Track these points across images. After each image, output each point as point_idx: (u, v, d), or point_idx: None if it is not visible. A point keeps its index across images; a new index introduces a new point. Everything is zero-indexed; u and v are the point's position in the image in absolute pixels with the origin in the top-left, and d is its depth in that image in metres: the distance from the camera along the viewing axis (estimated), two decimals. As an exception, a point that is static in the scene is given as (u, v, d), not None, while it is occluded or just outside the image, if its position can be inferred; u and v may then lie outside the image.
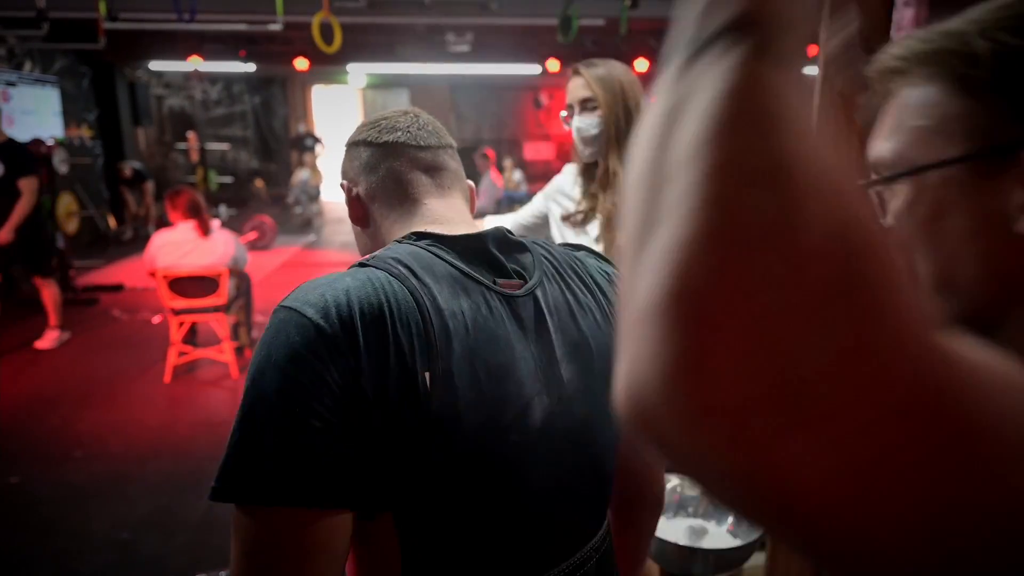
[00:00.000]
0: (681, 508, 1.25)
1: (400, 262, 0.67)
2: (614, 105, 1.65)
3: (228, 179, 12.14)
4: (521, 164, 13.17)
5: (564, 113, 1.75)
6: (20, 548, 2.69)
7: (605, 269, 0.84)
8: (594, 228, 1.74)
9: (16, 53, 7.81)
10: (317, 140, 12.07)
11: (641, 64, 9.63)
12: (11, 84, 6.67)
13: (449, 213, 0.80)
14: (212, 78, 13.11)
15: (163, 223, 5.61)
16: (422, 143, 0.81)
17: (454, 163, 0.84)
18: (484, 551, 0.68)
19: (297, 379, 0.59)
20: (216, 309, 4.35)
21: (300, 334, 0.60)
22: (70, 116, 8.42)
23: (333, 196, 13.86)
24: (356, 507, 0.62)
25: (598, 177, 1.73)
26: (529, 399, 0.68)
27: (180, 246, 4.12)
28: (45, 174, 6.28)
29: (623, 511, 0.88)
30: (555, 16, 5.71)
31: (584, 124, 1.68)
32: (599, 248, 1.71)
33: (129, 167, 9.18)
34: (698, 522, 1.23)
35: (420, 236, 0.73)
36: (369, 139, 0.82)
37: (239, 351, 4.70)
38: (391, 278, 0.65)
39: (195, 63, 9.48)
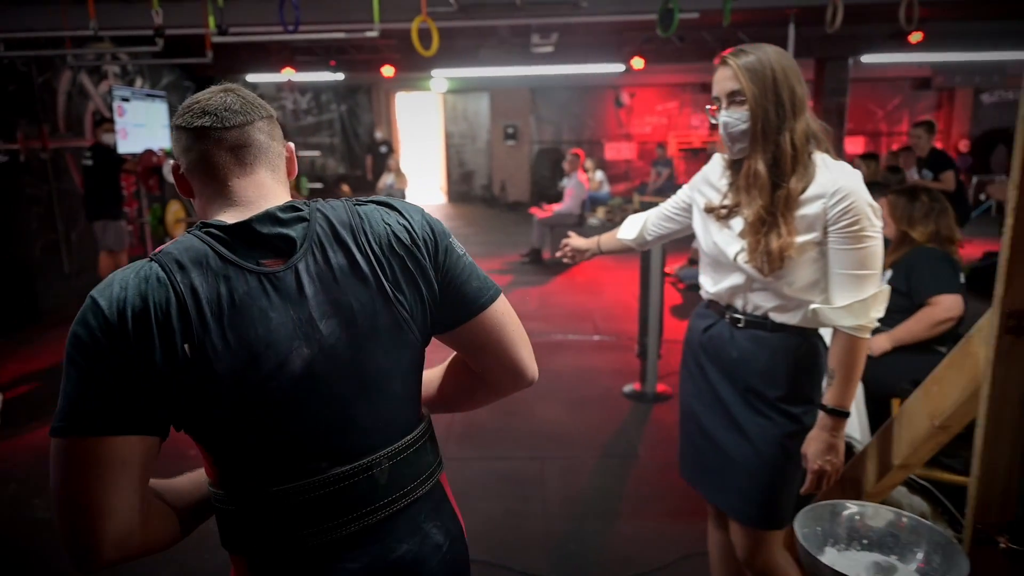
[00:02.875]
0: (862, 539, 1.12)
1: (175, 257, 0.88)
2: (762, 99, 1.53)
3: (318, 185, 12.53)
4: (602, 164, 13.01)
5: (709, 106, 1.64)
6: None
7: (393, 225, 0.98)
8: (738, 224, 1.63)
9: (129, 71, 8.31)
10: (390, 147, 12.31)
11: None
12: (125, 100, 7.08)
13: (249, 192, 0.95)
14: (302, 88, 13.58)
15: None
16: (228, 123, 0.94)
17: (262, 136, 0.97)
18: (265, 462, 0.92)
19: (86, 348, 0.83)
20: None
21: (94, 318, 0.84)
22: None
23: (422, 200, 14.11)
24: (137, 432, 0.84)
25: (742, 176, 1.61)
26: (286, 354, 0.88)
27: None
28: (156, 183, 6.64)
29: (468, 373, 1.14)
30: (645, 12, 5.55)
31: (731, 119, 1.57)
32: (741, 247, 1.59)
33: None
34: (884, 558, 1.11)
35: (204, 226, 0.92)
36: (183, 124, 0.94)
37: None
38: (159, 272, 0.87)
39: (288, 74, 9.84)
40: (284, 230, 0.92)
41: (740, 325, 1.67)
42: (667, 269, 7.49)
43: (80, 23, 5.69)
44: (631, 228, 2.06)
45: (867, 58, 9.30)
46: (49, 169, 6.78)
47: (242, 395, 0.88)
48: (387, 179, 10.90)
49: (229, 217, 0.93)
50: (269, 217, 0.92)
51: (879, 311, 1.52)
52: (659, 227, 1.99)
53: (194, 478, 1.05)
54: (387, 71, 9.85)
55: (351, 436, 0.95)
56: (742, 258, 1.60)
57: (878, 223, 1.51)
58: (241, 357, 0.87)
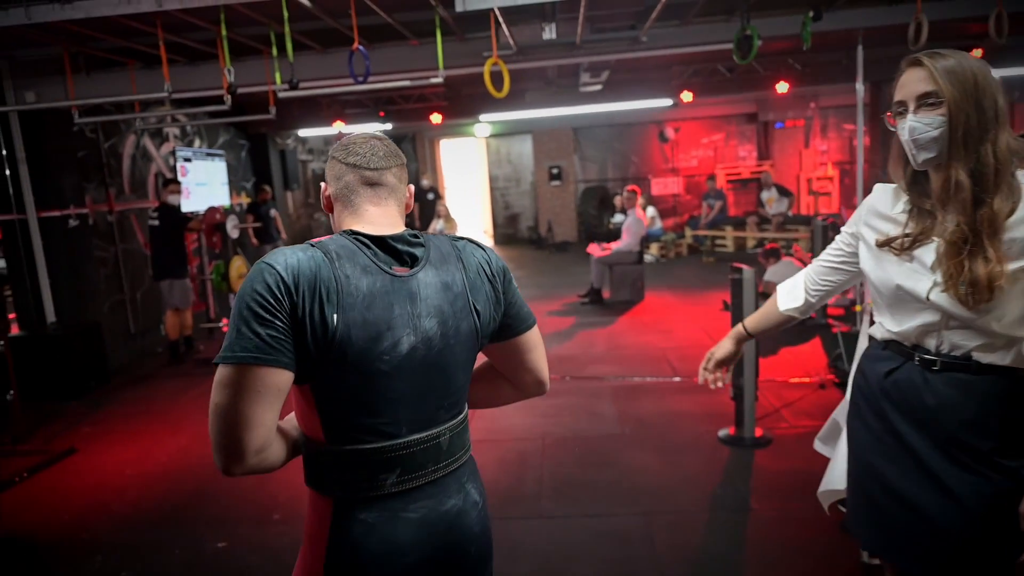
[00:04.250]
0: None
1: (332, 248, 1.14)
2: (963, 103, 1.35)
3: (367, 234, 12.62)
4: (649, 200, 12.85)
5: (891, 112, 1.47)
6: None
7: (479, 258, 1.29)
8: (927, 254, 1.43)
9: (188, 132, 8.52)
10: (438, 193, 12.36)
11: (782, 86, 9.15)
12: (188, 160, 7.23)
13: (379, 218, 1.23)
14: (348, 140, 13.83)
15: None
16: (371, 167, 1.23)
17: (393, 179, 1.26)
18: (363, 419, 1.15)
19: (264, 299, 1.06)
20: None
21: (272, 276, 1.08)
22: (232, 185, 9.05)
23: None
24: (288, 368, 1.08)
25: (935, 190, 1.43)
26: (399, 338, 1.14)
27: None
28: (219, 240, 6.70)
29: (500, 379, 1.43)
30: (706, 43, 5.45)
31: (920, 124, 1.39)
32: (938, 278, 1.40)
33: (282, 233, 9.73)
34: None
35: (353, 233, 1.19)
36: (339, 158, 1.25)
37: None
38: (324, 257, 1.12)
39: (339, 127, 10.00)
40: (412, 249, 1.23)
41: (935, 368, 1.46)
42: (727, 300, 7.23)
43: (147, 87, 5.84)
44: (792, 295, 1.82)
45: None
46: (115, 231, 6.91)
47: (364, 361, 1.13)
48: (437, 225, 10.91)
49: (367, 229, 1.21)
50: (402, 239, 1.23)
51: None
52: (824, 283, 1.77)
53: (294, 422, 1.26)
54: (435, 118, 9.94)
55: (426, 409, 1.22)
56: (937, 292, 1.40)
57: None
58: (370, 332, 1.13)
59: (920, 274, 1.45)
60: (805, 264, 6.67)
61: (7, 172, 6.03)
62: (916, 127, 1.40)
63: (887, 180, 1.61)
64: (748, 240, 11.31)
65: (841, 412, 2.52)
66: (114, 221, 6.87)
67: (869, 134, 10.22)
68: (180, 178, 6.87)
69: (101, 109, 6.39)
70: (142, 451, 4.39)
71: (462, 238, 1.32)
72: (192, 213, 6.82)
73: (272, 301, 1.07)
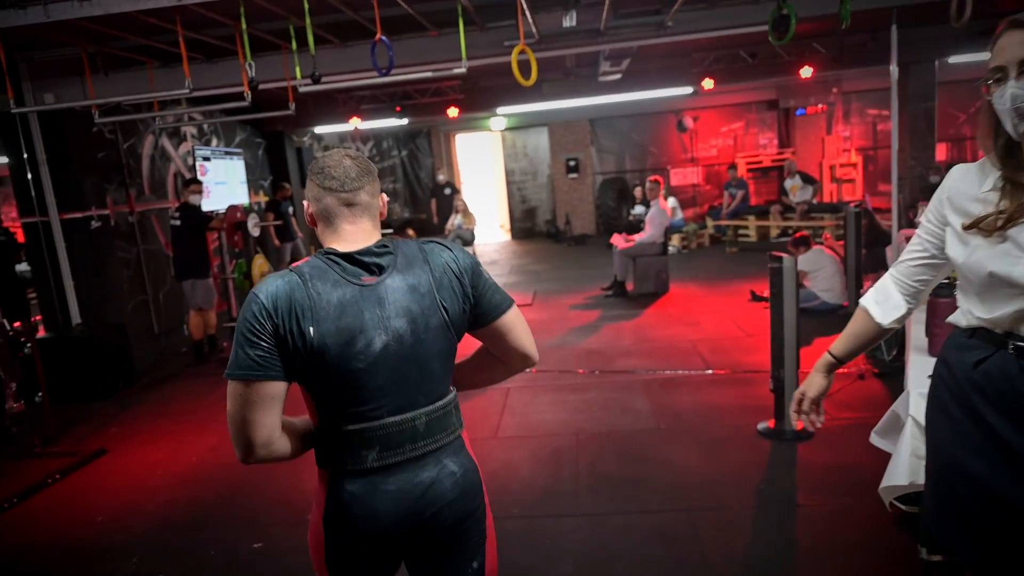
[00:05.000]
0: None
1: (306, 271, 1.35)
2: None
3: (388, 231, 12.60)
4: (668, 191, 12.68)
5: (987, 80, 1.36)
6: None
7: (445, 258, 1.44)
8: (1023, 233, 1.32)
9: (205, 131, 8.50)
10: (455, 188, 12.27)
11: (806, 71, 8.96)
12: (206, 159, 7.19)
13: (353, 235, 1.41)
14: (364, 137, 13.79)
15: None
16: (345, 189, 1.39)
17: (368, 197, 1.42)
18: (348, 408, 1.36)
19: (251, 325, 1.29)
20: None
21: (257, 304, 1.30)
22: (250, 184, 9.02)
23: (485, 239, 14.02)
24: (278, 380, 1.31)
25: None
26: (372, 338, 1.33)
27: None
28: (241, 238, 6.66)
29: (492, 359, 1.60)
30: (736, 26, 5.31)
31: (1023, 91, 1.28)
32: None
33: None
34: None
35: (327, 252, 1.39)
36: (317, 182, 1.41)
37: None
38: (299, 280, 1.33)
39: (355, 123, 9.94)
40: (378, 260, 1.39)
41: (1034, 357, 1.35)
42: (756, 290, 7.09)
43: (165, 86, 5.79)
44: (891, 305, 1.65)
45: (955, 59, 8.80)
46: (136, 232, 6.90)
47: (342, 362, 1.32)
48: (455, 220, 10.84)
49: (341, 247, 1.40)
50: (369, 251, 1.39)
51: None
52: (918, 282, 1.63)
53: (306, 420, 1.49)
54: (452, 112, 9.85)
55: (403, 396, 1.39)
56: None
57: None
58: (344, 338, 1.32)
59: (1015, 256, 1.34)
60: (836, 252, 6.53)
61: (29, 175, 6.02)
62: (1020, 94, 1.29)
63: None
64: (772, 229, 11.13)
65: (902, 404, 2.41)
66: (135, 222, 6.86)
67: (892, 118, 10.01)
68: (200, 177, 6.84)
69: (120, 109, 6.36)
70: (171, 451, 4.36)
71: (431, 241, 1.49)
72: (213, 212, 6.78)
73: (257, 326, 1.29)
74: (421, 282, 1.39)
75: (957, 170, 1.51)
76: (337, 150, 1.46)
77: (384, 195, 1.51)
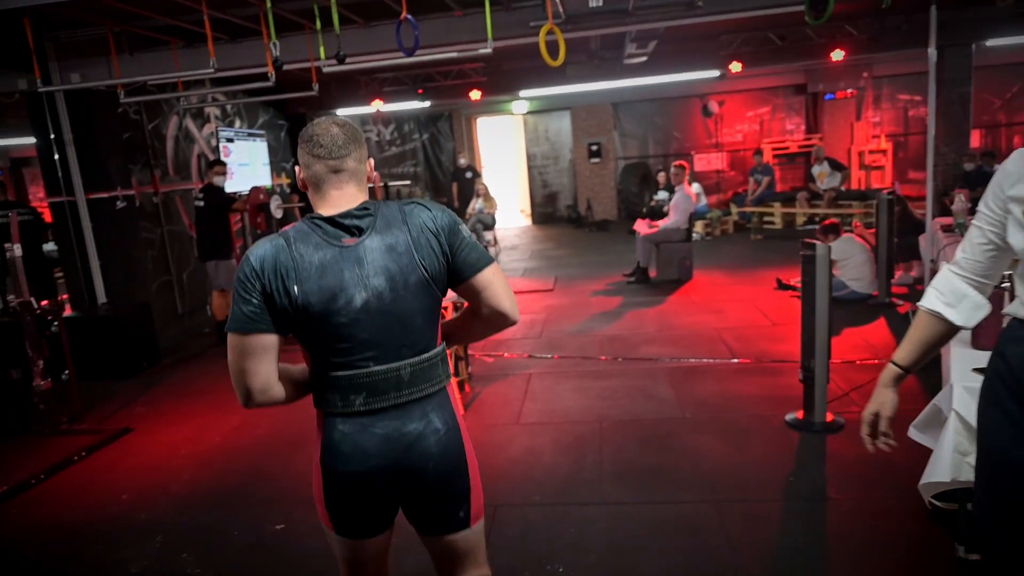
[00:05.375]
0: None
1: (292, 234, 1.49)
2: None
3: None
4: (692, 177, 12.50)
5: None
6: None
7: (424, 218, 1.54)
8: None
9: (228, 112, 8.50)
10: (476, 172, 12.16)
11: (837, 54, 8.74)
12: (230, 140, 7.20)
13: (339, 200, 1.53)
14: (385, 120, 13.74)
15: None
16: (333, 156, 1.51)
17: (353, 163, 1.54)
18: (336, 358, 1.51)
19: (243, 284, 1.46)
20: (442, 344, 4.22)
21: (248, 266, 1.46)
22: (272, 166, 9.03)
23: (506, 223, 13.94)
24: (268, 332, 1.46)
25: None
26: (352, 296, 1.46)
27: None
28: (263, 220, 6.66)
29: (472, 316, 1.69)
30: (768, 6, 5.17)
31: None
32: None
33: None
34: None
35: (312, 217, 1.52)
36: (307, 150, 1.52)
37: (460, 386, 4.56)
38: (284, 243, 1.47)
39: (377, 105, 9.89)
40: (357, 222, 1.50)
41: (1101, 351, 1.28)
42: (783, 278, 6.96)
43: (189, 66, 5.78)
44: (969, 307, 1.54)
45: (992, 42, 8.53)
46: (161, 212, 6.93)
47: (326, 317, 1.45)
48: (476, 204, 10.77)
49: (325, 211, 1.52)
50: (349, 215, 1.50)
51: None
52: (988, 276, 1.53)
53: (303, 368, 1.62)
54: (474, 95, 9.76)
55: (388, 349, 1.50)
56: None
57: None
58: (326, 295, 1.44)
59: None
60: (866, 240, 6.38)
61: (56, 155, 6.06)
62: None
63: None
64: (798, 216, 10.93)
65: (943, 399, 2.33)
66: (159, 202, 6.90)
67: (929, 104, 9.74)
68: (223, 158, 6.84)
69: (145, 90, 6.36)
70: (195, 431, 4.38)
71: (412, 202, 1.57)
72: (236, 193, 6.79)
73: (248, 286, 1.44)
74: (399, 242, 1.49)
75: (1018, 156, 1.43)
76: (326, 118, 1.55)
77: (371, 160, 1.62)
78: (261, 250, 1.46)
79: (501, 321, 1.65)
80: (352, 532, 1.60)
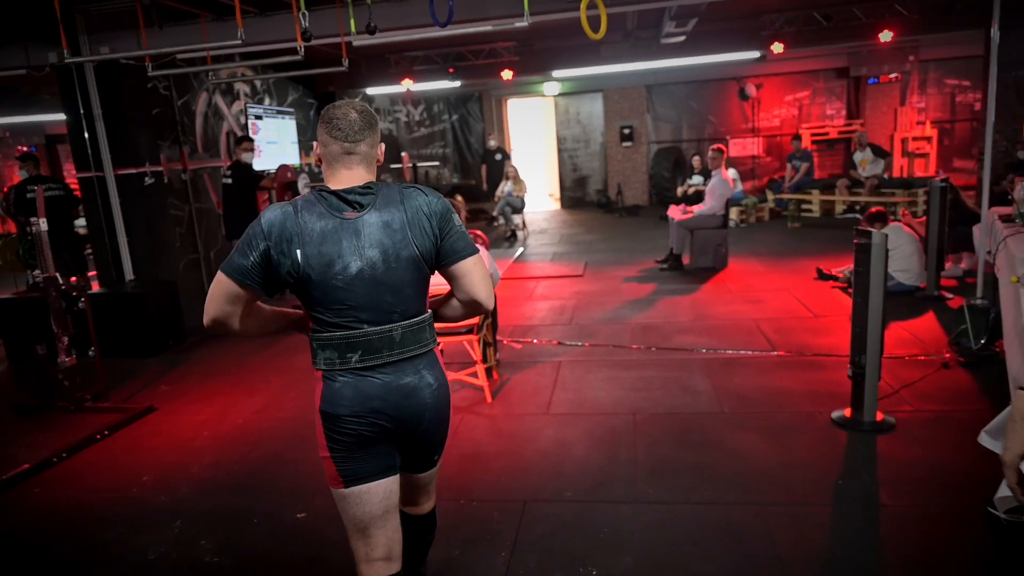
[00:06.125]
0: None
1: (300, 204, 1.65)
2: None
3: (435, 196, 12.42)
4: (728, 162, 12.16)
5: None
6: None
7: (420, 202, 1.71)
8: None
9: (258, 89, 8.41)
10: (506, 154, 11.96)
11: (885, 35, 8.36)
12: (259, 118, 7.11)
13: (347, 178, 1.69)
14: (415, 100, 13.59)
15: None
16: (349, 139, 1.68)
17: (366, 148, 1.71)
18: (333, 319, 1.67)
19: (249, 241, 1.61)
20: (470, 330, 4.09)
21: (258, 226, 1.61)
22: (301, 145, 8.95)
23: (534, 207, 13.74)
24: (245, 286, 1.63)
25: None
26: (348, 263, 1.62)
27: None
28: (291, 198, 6.57)
29: (450, 298, 1.88)
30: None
31: None
32: None
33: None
34: None
35: (320, 189, 1.68)
36: (326, 131, 1.69)
37: (488, 372, 4.42)
38: (292, 211, 1.62)
39: (407, 84, 9.73)
40: (360, 198, 1.66)
41: None
42: (823, 267, 6.68)
43: (218, 39, 5.67)
44: None
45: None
46: (189, 189, 6.87)
47: (324, 280, 1.63)
48: (505, 187, 10.60)
49: (334, 186, 1.68)
50: (354, 191, 1.67)
51: None
52: None
53: (283, 312, 1.87)
54: (506, 75, 9.55)
55: (380, 313, 1.68)
56: None
57: None
58: (324, 261, 1.61)
59: None
60: (915, 230, 6.08)
61: (85, 131, 6.01)
62: None
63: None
64: (837, 204, 10.57)
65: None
66: (188, 179, 6.84)
67: (979, 89, 9.28)
68: (251, 136, 6.75)
69: (174, 64, 6.28)
70: (218, 412, 4.31)
71: (410, 186, 1.73)
72: (264, 171, 6.70)
73: (253, 244, 1.60)
74: (394, 220, 1.66)
75: None
76: (346, 102, 1.72)
77: (382, 145, 1.78)
78: (271, 214, 1.61)
79: (473, 308, 1.83)
80: (358, 475, 1.73)
